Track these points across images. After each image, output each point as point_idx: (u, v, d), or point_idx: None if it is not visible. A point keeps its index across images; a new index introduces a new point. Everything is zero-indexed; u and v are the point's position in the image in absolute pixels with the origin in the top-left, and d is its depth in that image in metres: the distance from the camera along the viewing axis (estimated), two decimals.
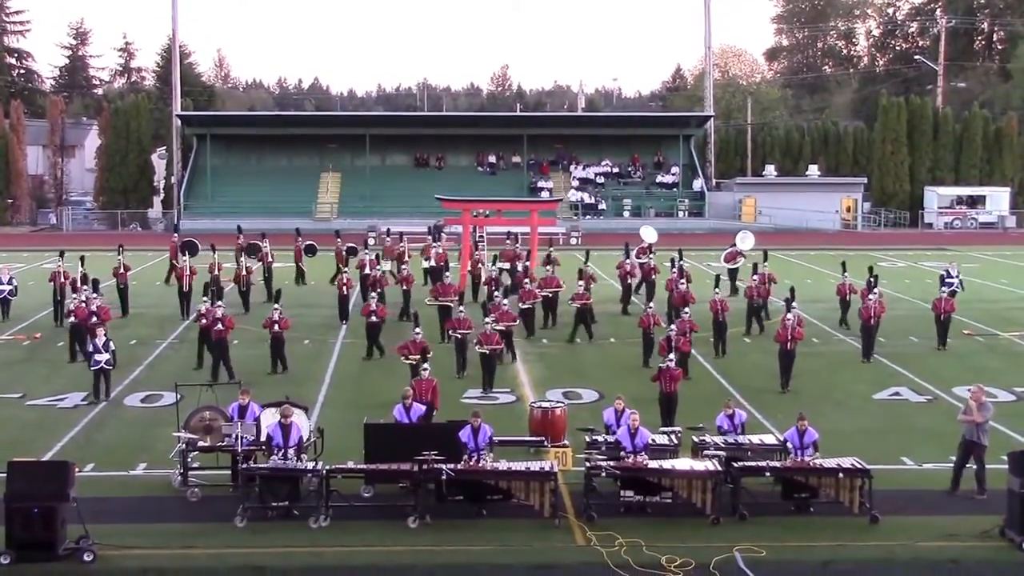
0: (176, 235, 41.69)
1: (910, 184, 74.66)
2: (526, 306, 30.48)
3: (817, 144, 78.79)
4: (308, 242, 40.84)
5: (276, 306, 26.78)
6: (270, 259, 37.88)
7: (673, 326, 24.40)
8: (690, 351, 25.18)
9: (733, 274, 38.60)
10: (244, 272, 35.61)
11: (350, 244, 39.17)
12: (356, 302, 34.18)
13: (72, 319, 27.43)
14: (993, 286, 41.71)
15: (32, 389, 24.49)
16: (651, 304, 28.93)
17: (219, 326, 25.38)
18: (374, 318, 27.93)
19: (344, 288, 33.17)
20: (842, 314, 32.02)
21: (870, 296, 28.16)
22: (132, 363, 26.91)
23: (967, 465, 17.43)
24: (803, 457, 16.96)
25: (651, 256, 37.39)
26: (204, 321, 25.95)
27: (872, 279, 30.45)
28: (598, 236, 56.60)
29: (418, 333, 23.85)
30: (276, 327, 26.14)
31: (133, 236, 62.18)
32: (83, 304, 27.47)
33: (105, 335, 23.75)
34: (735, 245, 39.55)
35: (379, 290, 31.92)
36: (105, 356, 23.31)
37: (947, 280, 33.96)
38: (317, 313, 34.52)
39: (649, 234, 39.87)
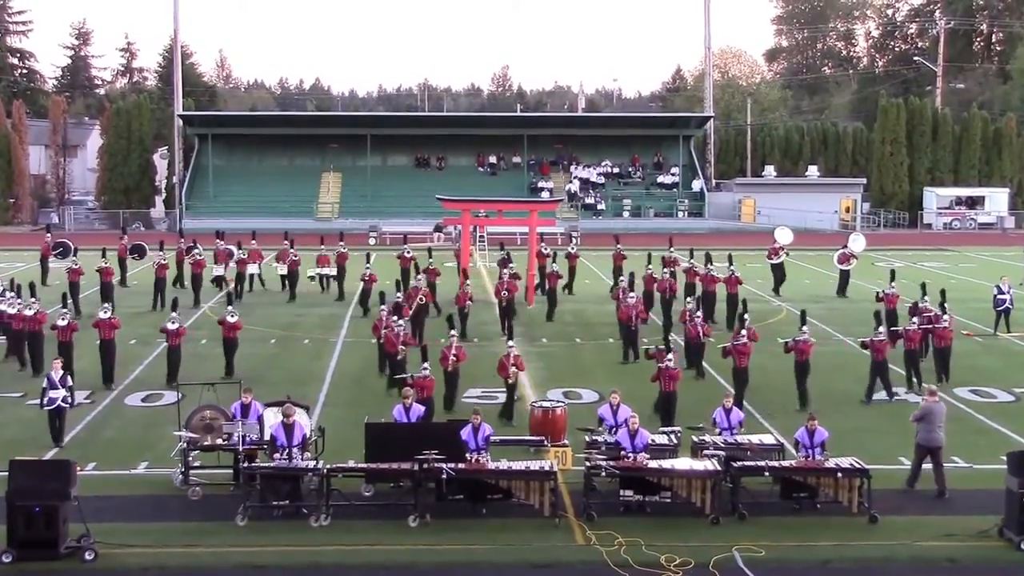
0: (49, 235, 42.03)
1: (909, 185, 74.72)
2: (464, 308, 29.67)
3: (816, 145, 78.85)
4: (176, 242, 40.02)
5: (173, 315, 25.16)
6: (343, 250, 38.34)
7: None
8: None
9: (845, 275, 38.97)
10: (292, 258, 37.18)
11: (190, 244, 39.04)
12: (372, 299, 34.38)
13: None
14: (992, 286, 41.66)
15: (33, 388, 24.47)
16: (699, 312, 26.28)
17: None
18: (234, 333, 25.92)
19: (364, 282, 33.99)
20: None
21: (912, 321, 25.30)
22: (133, 362, 26.98)
23: (929, 466, 17.76)
24: (814, 456, 17.08)
25: (784, 257, 37.34)
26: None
27: (940, 300, 26.46)
28: (597, 236, 56.48)
29: (511, 346, 22.37)
30: (169, 336, 24.66)
31: (136, 236, 61.91)
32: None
33: (63, 368, 20.70)
34: (847, 247, 39.62)
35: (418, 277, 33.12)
36: (61, 392, 19.87)
37: (999, 297, 31.82)
38: (316, 313, 34.69)
39: (784, 235, 39.65)
